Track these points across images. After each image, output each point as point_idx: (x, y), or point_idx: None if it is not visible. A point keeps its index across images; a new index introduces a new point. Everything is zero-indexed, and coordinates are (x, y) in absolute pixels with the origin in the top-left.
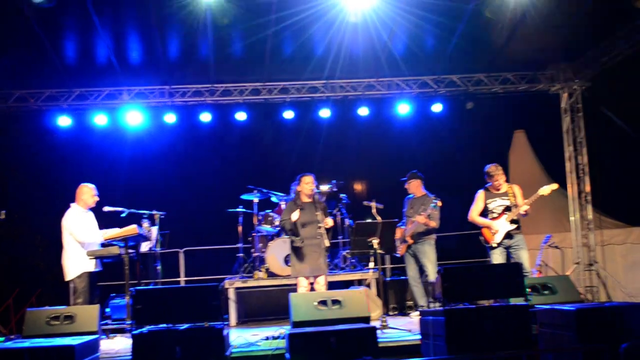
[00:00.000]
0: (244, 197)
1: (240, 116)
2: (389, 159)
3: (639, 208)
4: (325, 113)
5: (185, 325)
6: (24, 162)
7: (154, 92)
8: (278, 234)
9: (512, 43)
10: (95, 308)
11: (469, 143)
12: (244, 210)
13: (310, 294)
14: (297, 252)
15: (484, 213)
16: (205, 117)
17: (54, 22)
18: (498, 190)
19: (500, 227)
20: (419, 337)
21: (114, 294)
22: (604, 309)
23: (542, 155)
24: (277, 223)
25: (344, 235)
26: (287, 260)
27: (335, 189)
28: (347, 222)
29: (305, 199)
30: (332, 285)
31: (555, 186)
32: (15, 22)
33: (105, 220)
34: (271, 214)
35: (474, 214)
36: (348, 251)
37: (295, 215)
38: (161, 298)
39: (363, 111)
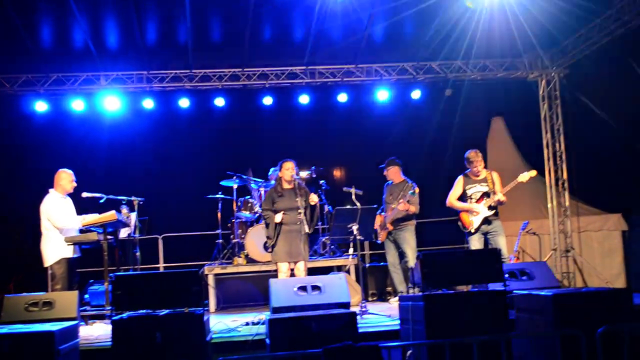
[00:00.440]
0: (223, 183)
1: (219, 102)
2: (369, 145)
3: (616, 195)
4: (304, 99)
5: (165, 311)
6: (0, 148)
7: (132, 77)
8: (257, 220)
9: (491, 30)
10: (74, 294)
11: (447, 129)
12: (223, 196)
13: (290, 279)
14: (278, 237)
15: (463, 199)
16: (184, 102)
17: (29, 6)
18: (477, 176)
19: (480, 210)
20: (398, 322)
21: (92, 280)
22: (580, 294)
23: (520, 142)
24: (256, 209)
25: (323, 222)
26: (266, 247)
27: (314, 175)
28: (327, 208)
29: (286, 185)
30: (311, 272)
31: (533, 173)
32: None
33: (83, 206)
34: (250, 200)
35: (452, 199)
36: (327, 237)
37: (278, 218)
38: (141, 284)
39: (342, 97)
